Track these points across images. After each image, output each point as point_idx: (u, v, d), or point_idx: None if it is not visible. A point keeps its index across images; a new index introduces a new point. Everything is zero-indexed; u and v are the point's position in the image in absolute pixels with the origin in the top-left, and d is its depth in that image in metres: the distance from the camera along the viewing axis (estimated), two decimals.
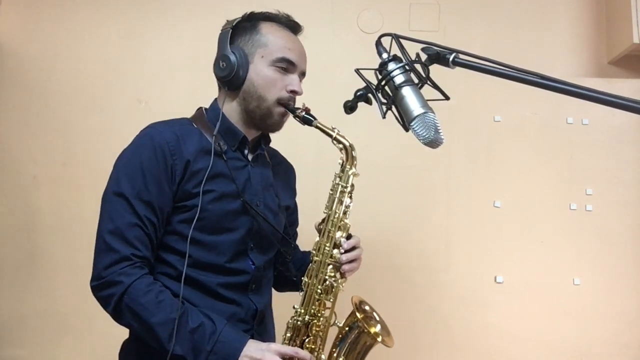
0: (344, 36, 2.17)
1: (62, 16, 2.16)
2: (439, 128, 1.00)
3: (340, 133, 1.25)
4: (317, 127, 1.24)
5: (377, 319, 1.34)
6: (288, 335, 1.25)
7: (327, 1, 2.19)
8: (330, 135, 1.24)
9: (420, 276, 2.09)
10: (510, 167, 2.13)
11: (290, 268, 1.37)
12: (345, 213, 1.27)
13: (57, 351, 2.07)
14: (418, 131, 1.00)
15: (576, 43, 2.17)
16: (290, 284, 1.39)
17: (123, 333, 1.28)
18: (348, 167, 1.26)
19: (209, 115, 1.30)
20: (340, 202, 1.27)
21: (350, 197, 1.28)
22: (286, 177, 1.48)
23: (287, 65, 1.26)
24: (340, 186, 1.27)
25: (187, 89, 2.12)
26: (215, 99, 1.34)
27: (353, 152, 1.26)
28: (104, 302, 1.15)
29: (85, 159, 2.11)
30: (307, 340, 1.24)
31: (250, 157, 1.32)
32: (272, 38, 1.26)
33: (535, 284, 2.07)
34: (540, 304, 2.07)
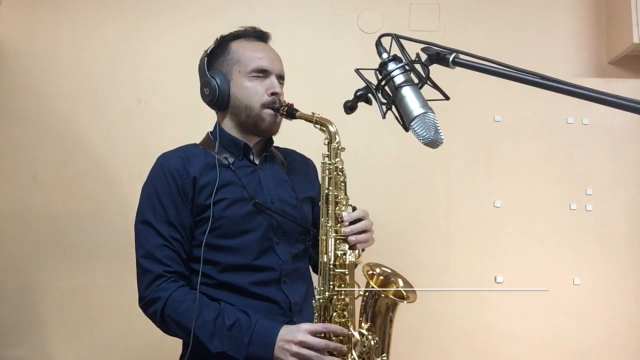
0: (344, 36, 2.17)
1: (62, 16, 2.16)
2: (439, 128, 1.00)
3: (319, 116, 1.32)
4: (300, 117, 1.32)
5: (393, 278, 1.38)
6: (316, 314, 1.29)
7: (327, 1, 2.19)
8: (310, 121, 1.32)
9: (420, 276, 2.09)
10: (510, 167, 2.13)
11: (312, 253, 1.42)
12: (340, 188, 1.32)
13: (57, 351, 2.07)
14: (418, 131, 1.00)
15: (576, 43, 2.17)
16: None
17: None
18: (333, 144, 1.31)
19: (212, 136, 1.41)
20: (332, 179, 1.31)
21: (342, 172, 1.33)
22: (304, 170, 1.53)
23: (262, 74, 1.35)
24: (329, 164, 1.32)
25: (187, 89, 2.10)
26: (217, 121, 1.43)
27: (330, 127, 1.31)
28: (152, 319, 1.27)
29: (85, 159, 2.11)
30: (334, 315, 1.27)
31: (257, 161, 1.41)
32: (242, 53, 1.37)
33: (535, 284, 2.07)
34: (540, 304, 2.07)
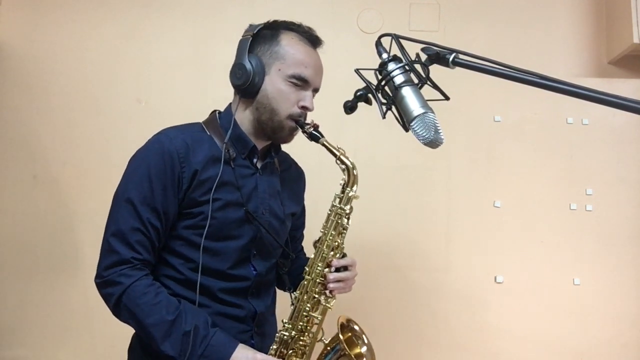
0: (344, 36, 2.17)
1: (62, 16, 2.16)
2: (438, 128, 1.00)
3: (344, 154, 1.26)
4: (323, 144, 1.25)
5: (365, 340, 1.34)
6: (274, 347, 1.26)
7: (327, 1, 2.19)
8: (335, 155, 1.26)
9: (420, 276, 2.09)
10: (510, 167, 2.13)
11: (285, 280, 1.38)
12: (340, 234, 1.28)
13: (57, 351, 2.07)
14: (418, 131, 1.00)
15: (576, 43, 2.17)
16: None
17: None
18: (349, 189, 1.27)
19: (221, 121, 1.31)
20: (337, 223, 1.27)
21: (348, 219, 1.28)
22: (295, 183, 1.48)
23: (301, 82, 1.26)
24: (338, 208, 1.27)
25: (187, 89, 2.12)
26: (230, 104, 1.34)
27: (354, 171, 1.26)
28: (105, 299, 1.20)
29: (85, 159, 2.11)
30: (291, 352, 1.26)
31: (259, 165, 1.33)
32: (290, 51, 1.26)
33: (535, 284, 2.07)
34: (540, 304, 2.07)
